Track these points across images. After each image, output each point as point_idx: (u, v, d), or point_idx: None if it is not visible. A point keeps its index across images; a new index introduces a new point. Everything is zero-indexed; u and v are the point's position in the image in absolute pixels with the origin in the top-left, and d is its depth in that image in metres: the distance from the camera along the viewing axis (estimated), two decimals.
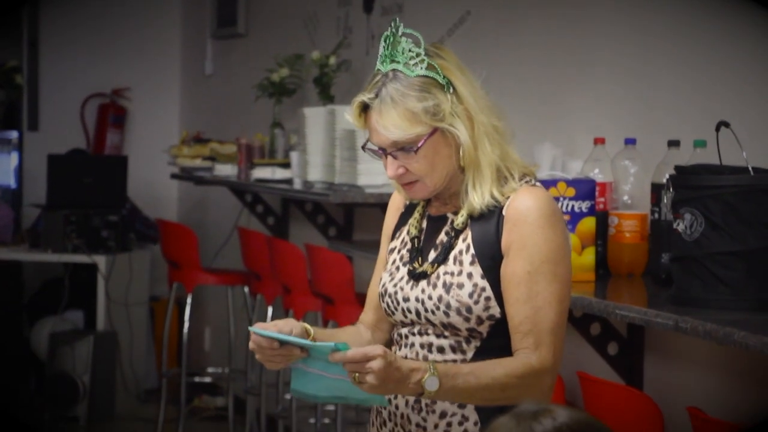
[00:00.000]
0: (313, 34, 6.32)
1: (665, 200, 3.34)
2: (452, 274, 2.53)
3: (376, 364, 2.30)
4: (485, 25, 4.83)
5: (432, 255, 2.59)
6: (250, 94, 6.54)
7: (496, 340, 2.51)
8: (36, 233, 7.16)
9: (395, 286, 2.62)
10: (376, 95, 2.51)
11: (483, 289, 2.50)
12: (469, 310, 2.50)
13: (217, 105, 7.70)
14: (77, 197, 7.17)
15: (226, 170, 6.38)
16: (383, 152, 2.54)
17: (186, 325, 6.40)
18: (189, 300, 6.38)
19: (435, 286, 2.55)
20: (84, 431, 6.74)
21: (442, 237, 2.59)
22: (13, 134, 8.15)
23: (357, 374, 2.32)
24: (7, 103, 8.49)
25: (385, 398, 2.42)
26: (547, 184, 3.41)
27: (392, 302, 2.62)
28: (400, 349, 2.62)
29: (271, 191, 5.87)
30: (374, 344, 2.62)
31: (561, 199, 3.42)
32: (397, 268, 2.65)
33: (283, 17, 6.79)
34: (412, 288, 2.59)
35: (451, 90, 2.52)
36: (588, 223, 3.45)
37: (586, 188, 3.45)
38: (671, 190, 3.04)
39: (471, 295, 2.50)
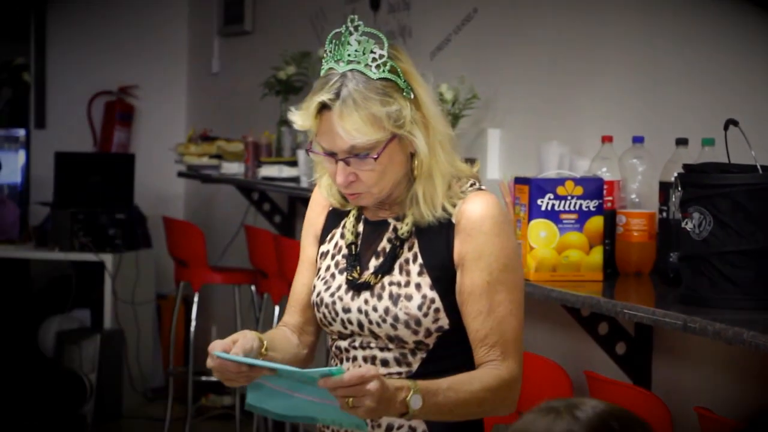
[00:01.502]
0: (320, 31, 6.31)
1: (673, 199, 3.33)
2: (399, 284, 2.43)
3: (373, 386, 2.18)
4: (492, 23, 4.82)
5: (373, 263, 2.47)
6: (257, 91, 6.53)
7: (442, 350, 2.43)
8: (43, 231, 7.15)
9: (332, 296, 2.49)
10: (337, 96, 2.36)
11: (432, 301, 2.41)
12: (417, 322, 2.40)
13: (224, 103, 7.69)
14: (84, 195, 7.17)
15: (233, 168, 6.37)
16: (334, 157, 2.40)
17: (193, 323, 6.39)
18: (196, 298, 6.38)
19: (380, 297, 2.43)
20: (91, 430, 6.73)
21: (384, 244, 2.47)
22: (21, 132, 8.15)
23: (351, 399, 2.17)
24: (14, 101, 8.49)
25: (364, 421, 2.25)
26: (555, 182, 3.40)
27: (330, 313, 2.49)
28: (341, 363, 2.51)
29: (278, 189, 5.86)
30: (302, 349, 2.56)
31: (569, 197, 3.40)
32: (333, 276, 2.51)
33: (290, 15, 6.78)
34: (353, 298, 2.46)
35: (411, 95, 2.40)
36: (596, 222, 3.43)
37: (593, 187, 3.43)
38: (679, 188, 3.02)
39: (420, 308, 2.40)
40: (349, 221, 2.54)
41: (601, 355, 3.67)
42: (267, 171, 5.86)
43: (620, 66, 4.08)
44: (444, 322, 2.41)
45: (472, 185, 2.46)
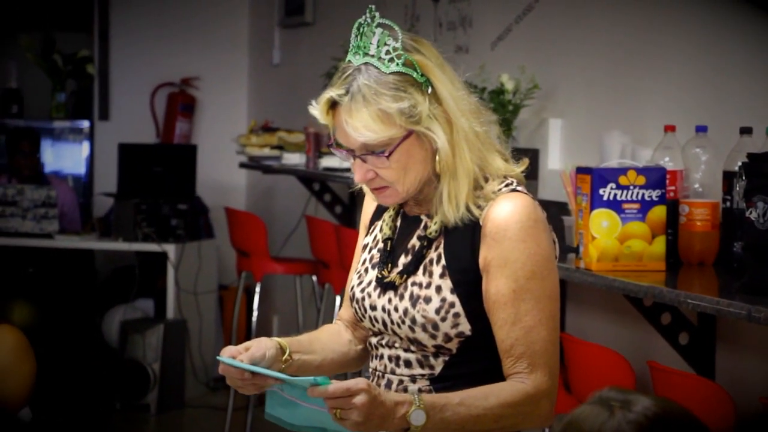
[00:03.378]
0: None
1: (737, 188, 3.31)
2: (420, 285, 2.34)
3: (359, 400, 2.10)
4: (553, 13, 4.80)
5: (402, 260, 2.39)
6: (317, 82, 6.54)
7: (466, 355, 2.33)
8: (107, 222, 7.22)
9: (363, 291, 2.43)
10: (347, 91, 2.28)
11: (452, 305, 2.30)
12: (435, 326, 2.31)
13: (285, 94, 7.71)
14: (147, 186, 7.23)
15: (294, 159, 6.39)
16: (351, 154, 2.32)
17: (255, 313, 6.42)
18: (258, 289, 6.41)
19: (402, 297, 2.35)
20: (154, 419, 6.80)
21: (414, 241, 2.39)
22: (85, 124, 8.24)
23: (339, 411, 2.11)
24: (79, 93, 8.58)
25: None
26: (617, 172, 3.39)
27: (360, 308, 2.43)
28: (372, 360, 2.44)
29: (338, 180, 5.88)
30: (355, 345, 2.50)
31: (631, 187, 3.39)
32: (366, 271, 2.46)
33: (351, 5, 6.79)
34: (379, 296, 2.39)
35: (430, 90, 2.29)
36: (658, 212, 3.41)
37: (656, 176, 3.41)
38: (743, 178, 3.00)
39: (438, 311, 2.30)
40: (389, 214, 2.47)
41: (664, 345, 3.66)
42: (328, 162, 5.88)
43: (682, 54, 4.06)
44: (465, 327, 2.31)
45: (507, 185, 2.34)
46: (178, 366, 7.01)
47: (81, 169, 8.21)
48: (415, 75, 2.29)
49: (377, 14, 2.32)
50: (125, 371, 6.84)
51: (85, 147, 8.20)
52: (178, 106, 8.26)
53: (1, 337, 3.73)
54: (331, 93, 2.29)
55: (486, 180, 2.33)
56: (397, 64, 2.28)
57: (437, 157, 2.31)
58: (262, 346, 2.31)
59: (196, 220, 7.29)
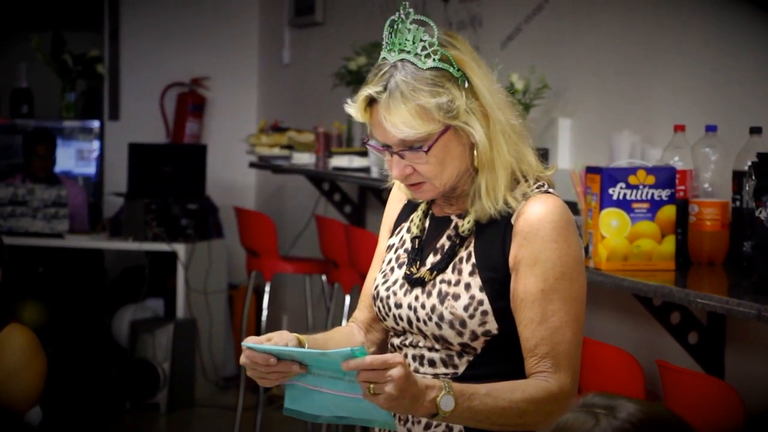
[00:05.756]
0: None
1: (747, 188, 3.31)
2: (449, 283, 2.34)
3: (396, 372, 2.07)
4: (563, 13, 4.80)
5: (431, 259, 2.39)
6: (327, 82, 6.55)
7: (490, 356, 2.32)
8: (117, 222, 7.23)
9: (388, 290, 2.42)
10: (384, 88, 2.27)
11: (480, 303, 2.30)
12: (462, 323, 2.30)
13: (295, 94, 7.73)
14: (157, 186, 7.24)
15: (304, 159, 6.40)
16: (388, 150, 2.33)
17: (264, 312, 6.43)
18: (267, 288, 6.42)
19: (429, 294, 2.35)
20: (164, 418, 6.81)
21: (444, 241, 2.39)
22: (95, 123, 8.25)
23: (373, 385, 2.08)
24: (89, 93, 8.60)
25: (393, 418, 2.18)
26: (626, 172, 3.39)
27: (384, 307, 2.43)
28: None
29: (348, 179, 5.88)
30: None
31: (640, 187, 3.39)
32: (392, 270, 2.45)
33: (361, 5, 6.79)
34: (405, 294, 2.39)
35: (466, 84, 2.30)
36: (668, 211, 3.42)
37: (666, 176, 3.42)
38: (753, 177, 3.00)
39: (466, 308, 2.30)
40: (417, 215, 2.46)
41: (673, 344, 3.66)
42: (338, 161, 5.88)
43: (692, 54, 4.06)
44: (492, 326, 2.31)
45: (539, 187, 2.35)
46: (188, 365, 7.02)
47: (91, 169, 8.22)
48: (451, 70, 2.29)
49: (411, 11, 2.32)
50: (135, 371, 6.85)
51: (95, 146, 8.21)
52: (188, 106, 8.28)
53: (12, 336, 3.74)
54: (369, 90, 2.29)
55: (522, 176, 2.34)
56: (434, 60, 2.29)
57: (475, 152, 2.32)
58: (284, 337, 2.31)
59: (206, 219, 7.30)
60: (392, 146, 2.31)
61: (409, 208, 2.51)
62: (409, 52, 2.29)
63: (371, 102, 2.32)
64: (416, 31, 2.30)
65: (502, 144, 2.32)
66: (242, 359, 2.25)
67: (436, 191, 2.35)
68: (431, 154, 2.29)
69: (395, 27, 2.32)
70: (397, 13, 2.32)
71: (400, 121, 2.27)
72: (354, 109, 2.34)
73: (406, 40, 2.30)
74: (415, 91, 2.26)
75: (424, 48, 2.29)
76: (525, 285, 2.29)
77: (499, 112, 2.32)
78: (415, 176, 2.33)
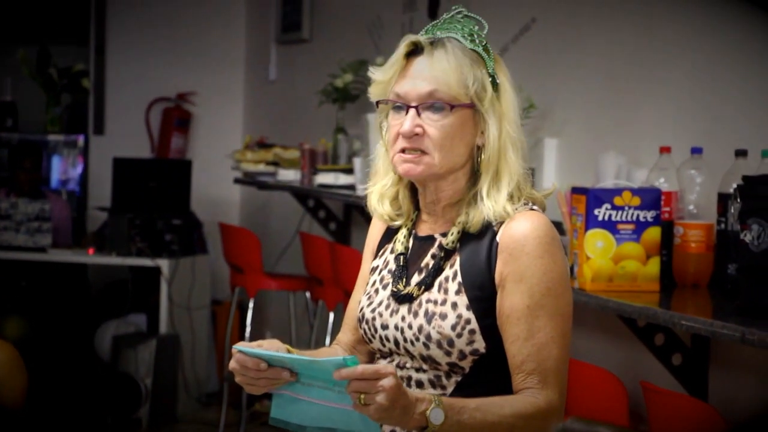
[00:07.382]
0: (377, 39, 6.33)
1: (732, 210, 3.31)
2: (435, 302, 2.34)
3: (387, 382, 2.08)
4: (550, 33, 4.81)
5: (415, 278, 2.40)
6: (313, 99, 6.55)
7: (478, 376, 2.33)
8: (101, 236, 7.21)
9: (373, 311, 2.43)
10: (431, 42, 2.35)
11: (467, 322, 2.31)
12: (450, 343, 2.31)
13: (281, 110, 7.72)
14: (141, 201, 7.22)
15: (289, 175, 6.40)
16: (408, 106, 2.34)
17: (248, 329, 6.42)
18: (251, 304, 6.41)
19: (416, 314, 2.35)
20: None
21: (428, 260, 2.40)
22: (80, 138, 8.23)
23: (363, 395, 2.09)
24: (74, 107, 8.58)
25: (380, 429, 2.19)
26: (612, 193, 3.39)
27: (370, 329, 2.43)
28: None
29: (333, 197, 5.88)
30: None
31: (626, 208, 3.39)
32: (376, 291, 2.45)
33: (348, 23, 6.80)
34: (391, 315, 2.39)
35: (496, 83, 2.37)
36: (653, 233, 3.42)
37: (651, 197, 3.42)
38: (738, 200, 3.01)
39: (454, 327, 2.31)
40: (401, 234, 2.47)
41: (657, 365, 3.66)
42: (323, 178, 5.88)
43: (678, 76, 4.07)
44: (480, 345, 2.32)
45: (525, 204, 2.37)
46: (171, 381, 6.99)
47: (75, 183, 8.20)
48: (489, 64, 2.37)
49: (464, 9, 2.41)
50: (117, 386, 6.82)
51: (80, 161, 8.19)
52: (173, 121, 8.27)
53: None
54: (418, 37, 2.36)
55: (517, 194, 2.37)
56: (478, 45, 2.36)
57: (482, 154, 2.35)
58: (274, 345, 2.32)
59: (190, 235, 7.29)
60: (413, 102, 2.34)
61: (392, 230, 2.51)
62: (457, 33, 2.37)
63: (410, 54, 2.36)
64: (466, 22, 2.38)
65: (510, 152, 2.36)
66: (232, 363, 2.26)
67: (431, 168, 2.35)
68: (447, 121, 2.32)
69: (449, 15, 2.39)
70: (448, 12, 2.39)
71: (441, 71, 2.32)
72: (383, 70, 2.37)
73: (455, 26, 2.37)
74: (458, 58, 2.33)
75: (471, 34, 2.37)
76: (511, 301, 2.30)
77: (514, 125, 2.37)
78: (421, 140, 2.35)
